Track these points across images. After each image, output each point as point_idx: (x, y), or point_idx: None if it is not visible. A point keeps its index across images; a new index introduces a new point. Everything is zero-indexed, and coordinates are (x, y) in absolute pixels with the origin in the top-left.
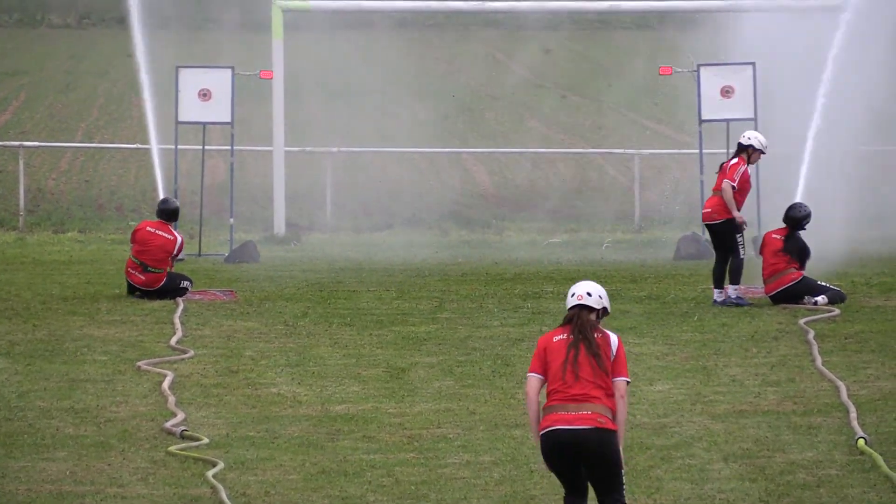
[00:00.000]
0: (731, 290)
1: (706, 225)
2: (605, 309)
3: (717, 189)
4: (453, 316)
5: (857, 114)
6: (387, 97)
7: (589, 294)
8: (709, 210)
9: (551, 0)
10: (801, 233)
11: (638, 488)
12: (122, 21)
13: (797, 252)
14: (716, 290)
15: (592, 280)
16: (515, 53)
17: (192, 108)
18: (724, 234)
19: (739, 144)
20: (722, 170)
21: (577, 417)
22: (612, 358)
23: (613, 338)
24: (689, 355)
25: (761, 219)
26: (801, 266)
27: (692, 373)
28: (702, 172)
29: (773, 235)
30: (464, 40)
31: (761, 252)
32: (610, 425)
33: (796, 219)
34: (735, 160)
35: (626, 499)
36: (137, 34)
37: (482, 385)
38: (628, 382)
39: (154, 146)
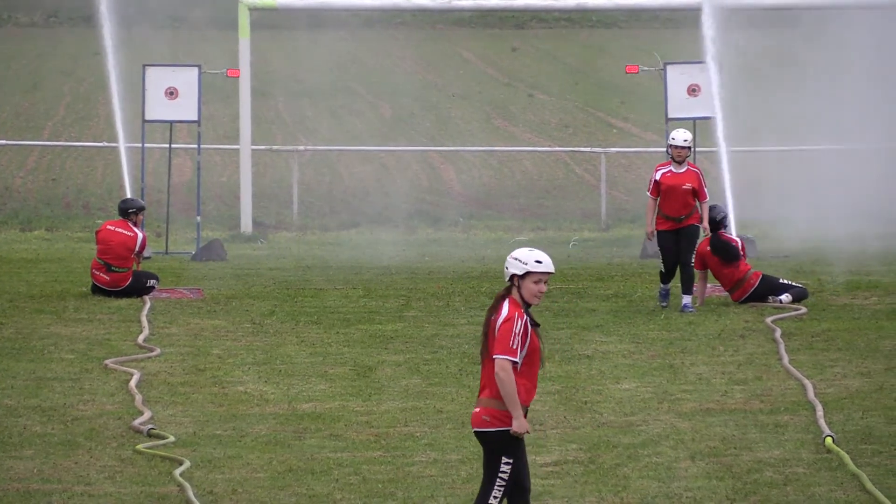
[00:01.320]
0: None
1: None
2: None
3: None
4: (420, 314)
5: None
6: (353, 95)
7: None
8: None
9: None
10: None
11: (605, 486)
12: (89, 20)
13: (723, 253)
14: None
15: (558, 277)
16: (483, 52)
17: (159, 107)
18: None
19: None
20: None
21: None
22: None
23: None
24: (656, 353)
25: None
26: (729, 262)
27: (659, 371)
28: None
29: (705, 248)
30: (431, 39)
31: (699, 267)
32: (488, 425)
33: (715, 221)
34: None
35: (592, 497)
36: (107, 32)
37: (449, 383)
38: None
39: (122, 145)
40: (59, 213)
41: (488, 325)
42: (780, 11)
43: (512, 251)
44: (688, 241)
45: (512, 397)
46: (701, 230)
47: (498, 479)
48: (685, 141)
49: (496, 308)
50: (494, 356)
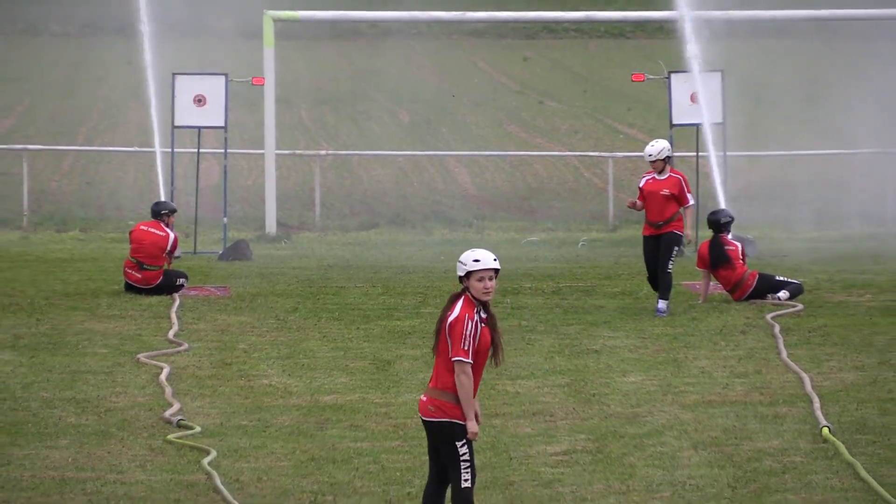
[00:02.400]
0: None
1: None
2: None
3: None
4: (436, 311)
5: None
6: (372, 102)
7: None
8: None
9: (529, 11)
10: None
11: (612, 475)
12: (121, 31)
13: (713, 256)
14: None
15: (568, 276)
16: (496, 61)
17: (188, 114)
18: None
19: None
20: None
21: None
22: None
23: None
24: (661, 348)
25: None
26: (717, 266)
27: (663, 365)
28: None
29: (705, 248)
30: (446, 49)
31: (700, 266)
32: (432, 415)
33: (718, 224)
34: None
35: (600, 485)
36: (147, 43)
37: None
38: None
39: (158, 150)
40: (93, 214)
41: (441, 322)
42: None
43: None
44: (666, 247)
45: (468, 400)
46: (682, 237)
47: (462, 464)
48: (649, 155)
49: (450, 306)
50: (453, 359)
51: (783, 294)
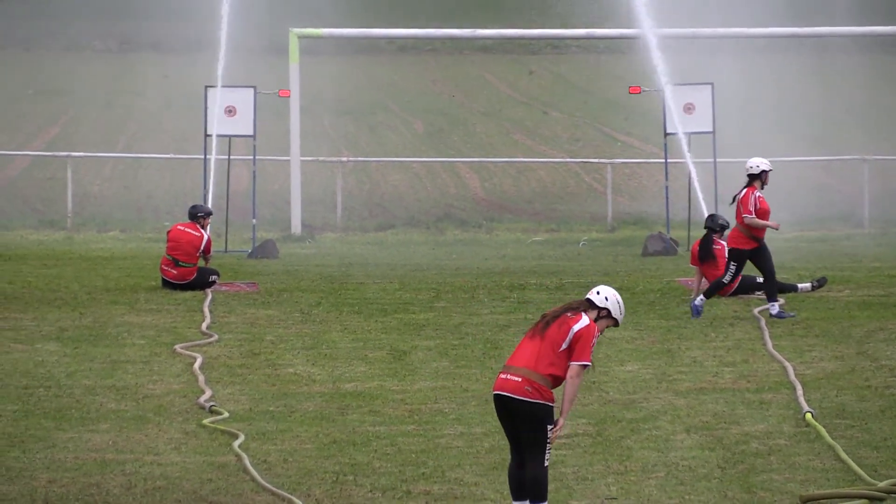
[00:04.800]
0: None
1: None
2: (607, 313)
3: (739, 222)
4: (448, 305)
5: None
6: (390, 113)
7: (597, 292)
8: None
9: (534, 28)
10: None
11: (611, 456)
12: (156, 47)
13: (700, 252)
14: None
15: (570, 273)
16: (503, 75)
17: (219, 123)
18: (751, 258)
19: (750, 175)
20: (737, 204)
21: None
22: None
23: (580, 322)
24: (656, 339)
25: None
26: (703, 261)
27: (658, 355)
28: (667, 179)
29: (696, 247)
30: (458, 63)
31: (692, 263)
32: (529, 395)
33: (715, 225)
34: (745, 191)
35: (600, 466)
36: (221, 64)
37: (474, 365)
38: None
39: (210, 157)
40: (132, 216)
41: (560, 321)
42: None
43: (609, 291)
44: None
45: (572, 401)
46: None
47: (548, 445)
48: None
49: (574, 314)
50: (580, 363)
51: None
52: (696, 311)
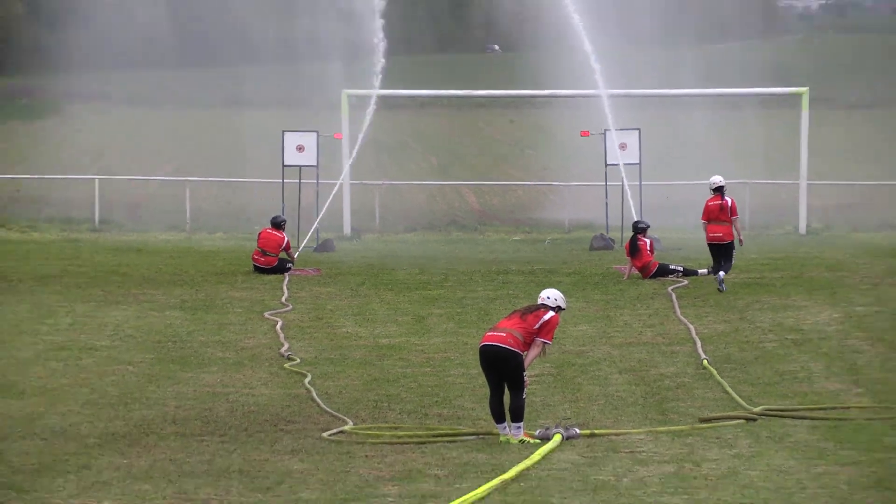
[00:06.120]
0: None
1: (716, 244)
2: (558, 307)
3: (727, 220)
4: (454, 284)
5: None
6: (413, 150)
7: (547, 297)
8: (720, 234)
9: (513, 90)
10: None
11: (567, 390)
12: (249, 102)
13: (630, 248)
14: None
15: (539, 262)
16: (492, 123)
17: (293, 157)
18: (728, 248)
19: (719, 187)
20: (724, 209)
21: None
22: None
23: (550, 299)
24: (598, 309)
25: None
26: (631, 255)
27: (600, 319)
28: (606, 196)
29: (627, 244)
30: (460, 115)
31: (627, 255)
32: (513, 346)
33: (638, 228)
34: (723, 199)
35: (558, 396)
36: (344, 117)
37: (472, 326)
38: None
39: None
40: (231, 223)
41: (536, 313)
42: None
43: (549, 294)
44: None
45: (531, 360)
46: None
47: (524, 385)
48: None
49: (543, 310)
50: (541, 338)
51: (680, 273)
52: (720, 283)
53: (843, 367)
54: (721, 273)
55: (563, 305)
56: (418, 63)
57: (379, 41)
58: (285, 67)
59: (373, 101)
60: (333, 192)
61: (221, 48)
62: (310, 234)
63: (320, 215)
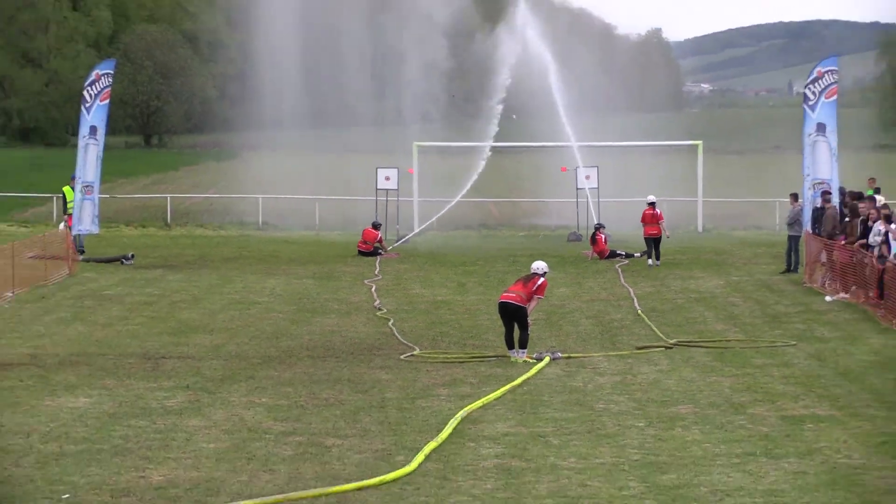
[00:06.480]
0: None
1: (650, 238)
2: (544, 273)
3: (660, 222)
4: (483, 263)
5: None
6: (456, 180)
7: (537, 267)
8: (653, 232)
9: (521, 142)
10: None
11: (553, 329)
12: (346, 148)
13: (593, 240)
14: (652, 259)
15: (536, 249)
16: (507, 162)
17: (382, 183)
18: (657, 241)
19: (652, 202)
20: (654, 216)
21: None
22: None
23: (538, 269)
24: (572, 278)
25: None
26: (603, 244)
27: (573, 285)
28: (577, 208)
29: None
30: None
31: (591, 244)
32: (522, 302)
33: (597, 227)
34: (653, 210)
35: (546, 333)
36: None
37: (493, 289)
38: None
39: (402, 199)
40: (344, 225)
41: (530, 280)
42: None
43: (538, 264)
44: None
45: (532, 310)
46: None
47: (528, 326)
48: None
49: (536, 277)
50: (537, 295)
51: (624, 256)
52: (654, 264)
53: (726, 315)
54: (653, 260)
55: (547, 271)
56: (458, 125)
57: (436, 115)
58: (378, 127)
59: (422, 150)
60: (408, 204)
61: (338, 115)
62: (395, 231)
63: (399, 220)
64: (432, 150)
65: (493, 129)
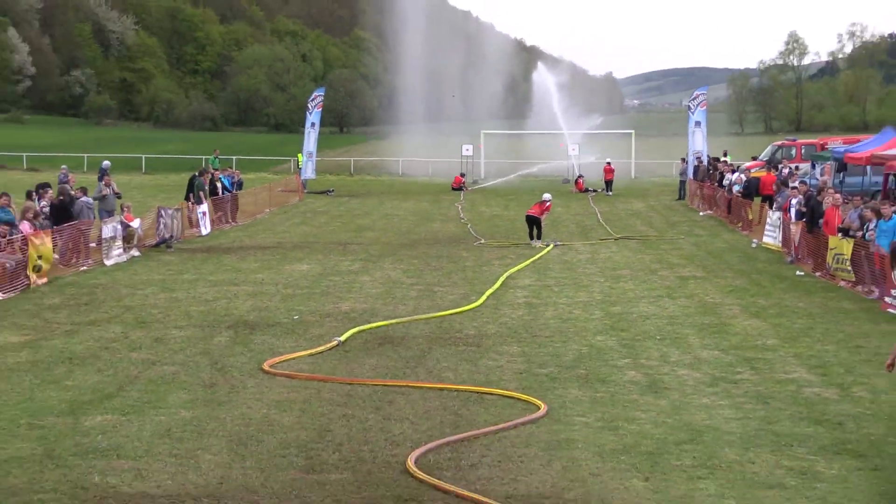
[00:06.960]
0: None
1: (608, 181)
2: (550, 199)
3: (613, 171)
4: (518, 195)
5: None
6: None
7: (546, 195)
8: (611, 177)
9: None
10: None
11: (553, 231)
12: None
13: (576, 182)
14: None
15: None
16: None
17: (465, 151)
18: (611, 182)
19: (609, 162)
20: (611, 169)
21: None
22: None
23: (546, 197)
24: (563, 202)
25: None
26: (581, 184)
27: (564, 206)
28: (567, 166)
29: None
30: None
31: (575, 184)
32: (540, 215)
33: (578, 176)
34: (611, 166)
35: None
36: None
37: (524, 207)
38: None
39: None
40: (446, 172)
41: (543, 202)
42: None
43: (546, 194)
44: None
45: (545, 218)
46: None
47: (542, 226)
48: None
49: (545, 202)
50: (546, 211)
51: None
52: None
53: (646, 222)
54: (608, 192)
55: (551, 199)
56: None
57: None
58: (465, 122)
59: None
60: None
61: (436, 109)
62: (471, 179)
63: (474, 172)
64: (493, 134)
65: (529, 122)
